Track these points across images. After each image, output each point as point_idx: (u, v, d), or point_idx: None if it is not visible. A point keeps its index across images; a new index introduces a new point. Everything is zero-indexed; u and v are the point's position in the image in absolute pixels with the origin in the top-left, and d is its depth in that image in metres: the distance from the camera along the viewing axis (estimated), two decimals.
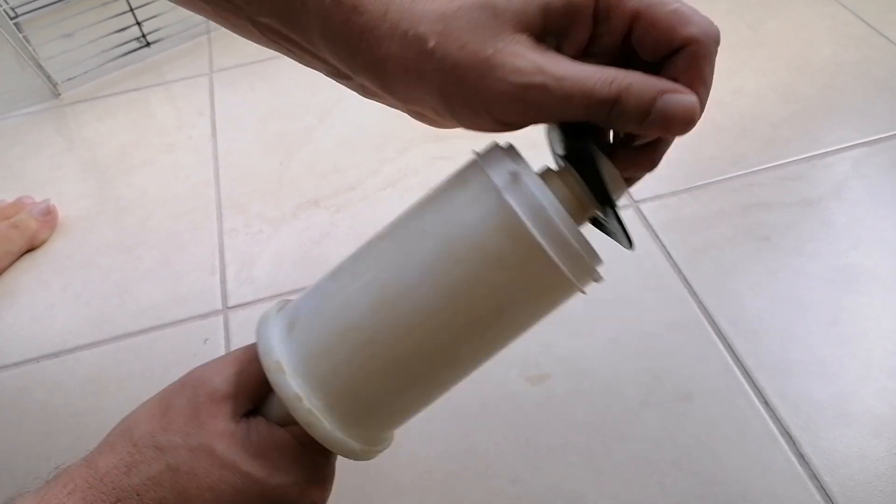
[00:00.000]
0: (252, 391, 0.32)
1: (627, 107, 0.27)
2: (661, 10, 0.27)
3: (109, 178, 0.86)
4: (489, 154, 0.30)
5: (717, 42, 0.28)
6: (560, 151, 0.32)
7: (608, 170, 0.30)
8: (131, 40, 1.03)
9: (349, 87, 0.33)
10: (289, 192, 0.81)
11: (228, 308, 0.70)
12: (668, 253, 0.69)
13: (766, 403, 0.58)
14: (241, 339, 0.67)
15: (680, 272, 0.67)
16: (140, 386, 0.64)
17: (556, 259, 0.28)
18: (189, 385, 0.32)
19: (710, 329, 0.63)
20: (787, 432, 0.56)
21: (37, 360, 0.67)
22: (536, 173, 0.30)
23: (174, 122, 0.93)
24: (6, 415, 0.63)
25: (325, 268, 0.72)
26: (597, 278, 0.30)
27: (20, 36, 0.92)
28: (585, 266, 0.29)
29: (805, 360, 0.61)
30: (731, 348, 0.62)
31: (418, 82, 0.29)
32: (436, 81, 0.28)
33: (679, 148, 0.82)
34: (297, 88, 0.95)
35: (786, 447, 0.56)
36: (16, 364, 0.67)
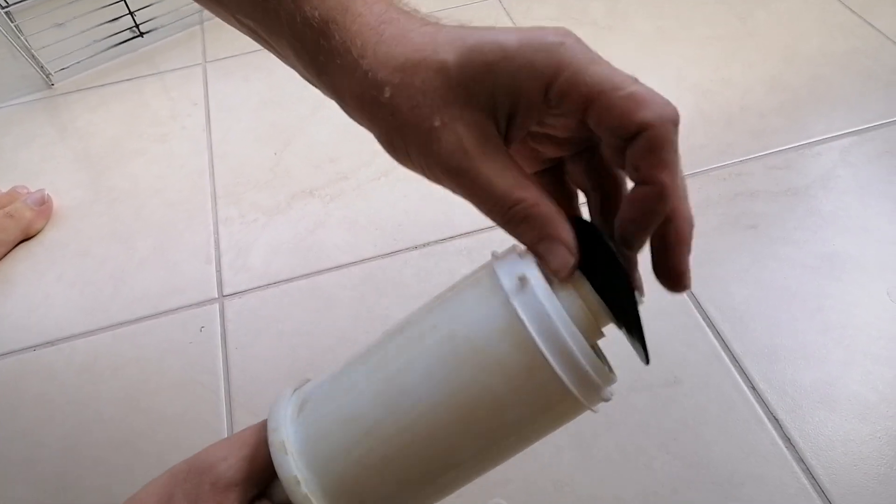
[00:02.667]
0: (259, 476, 0.31)
1: (518, 232, 0.29)
2: (613, 96, 0.27)
3: (103, 168, 0.86)
4: (504, 257, 0.30)
5: (675, 123, 0.27)
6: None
7: (625, 282, 0.29)
8: (124, 30, 1.03)
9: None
10: (283, 182, 0.82)
11: (224, 296, 0.70)
12: None
13: (752, 388, 0.59)
14: (237, 327, 0.67)
15: None
16: (136, 374, 0.65)
17: (559, 371, 0.27)
18: (195, 471, 0.31)
19: (697, 315, 0.64)
20: (774, 416, 0.58)
21: (33, 348, 0.68)
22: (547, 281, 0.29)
23: (168, 112, 0.93)
24: (2, 403, 0.64)
25: (319, 256, 0.73)
26: (606, 397, 0.29)
27: (12, 25, 0.92)
28: (591, 383, 0.28)
29: (791, 346, 0.62)
30: (719, 334, 0.63)
31: (370, 121, 0.30)
32: (384, 128, 0.29)
33: None
34: (292, 78, 0.94)
35: (772, 431, 0.57)
36: (12, 352, 0.67)
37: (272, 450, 0.30)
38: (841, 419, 0.57)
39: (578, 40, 0.28)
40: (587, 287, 0.29)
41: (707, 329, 0.63)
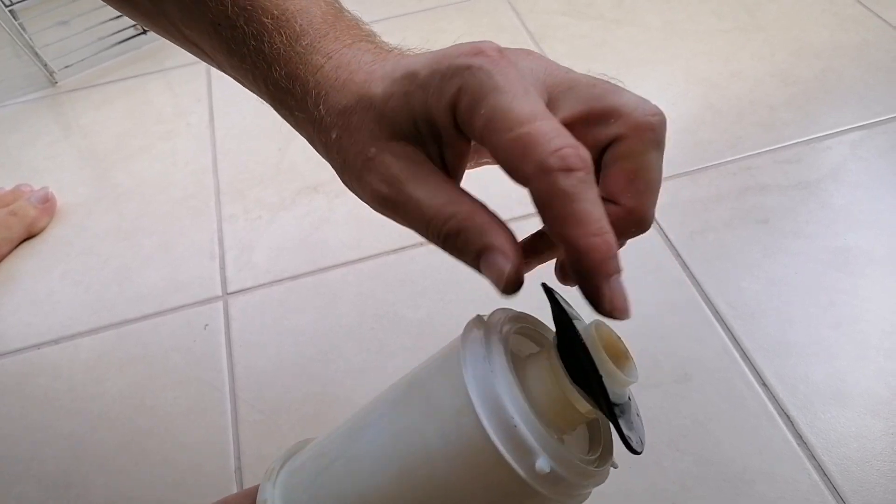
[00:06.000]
0: None
1: (457, 251, 0.26)
2: (501, 138, 0.24)
3: (107, 166, 0.86)
4: (477, 325, 0.28)
5: (564, 168, 0.23)
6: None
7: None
8: (128, 27, 1.02)
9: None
10: (287, 178, 0.81)
11: (228, 294, 0.70)
12: (666, 236, 0.69)
13: (763, 384, 0.59)
14: (241, 325, 0.67)
15: (678, 255, 0.68)
16: (140, 372, 0.65)
17: (509, 460, 0.25)
18: None
19: (707, 311, 0.64)
20: (785, 412, 0.57)
21: (37, 346, 0.67)
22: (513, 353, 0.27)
23: (172, 110, 0.93)
24: (8, 401, 0.63)
25: (323, 252, 0.72)
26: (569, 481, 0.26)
27: (16, 24, 0.92)
28: (528, 450, 0.25)
29: (802, 342, 0.61)
30: (729, 330, 0.62)
31: (329, 161, 0.31)
32: (336, 167, 0.30)
33: (677, 132, 0.82)
34: None
35: (783, 427, 0.56)
36: (17, 350, 0.67)
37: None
38: (853, 415, 0.56)
39: (493, 60, 0.25)
40: (555, 357, 0.27)
41: (717, 325, 0.63)
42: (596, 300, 0.24)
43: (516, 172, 0.24)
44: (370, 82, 0.29)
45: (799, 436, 0.55)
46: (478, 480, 0.26)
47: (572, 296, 0.27)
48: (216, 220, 0.78)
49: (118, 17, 1.01)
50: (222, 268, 0.72)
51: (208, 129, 0.89)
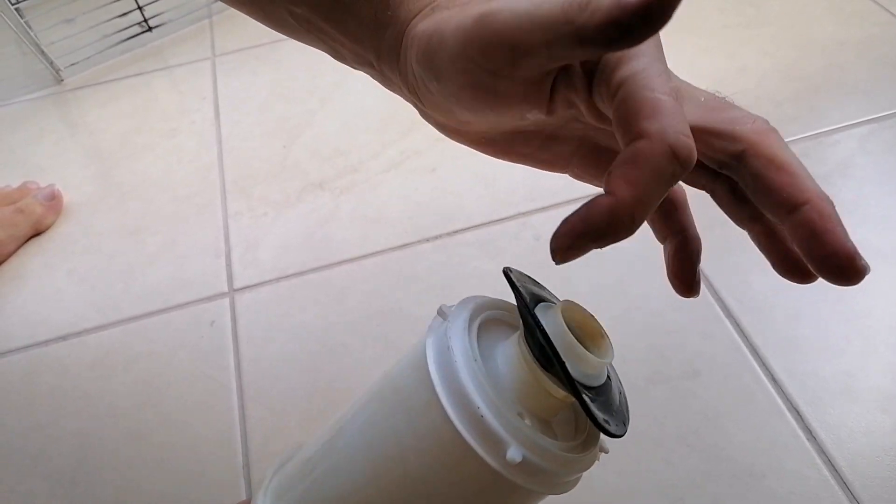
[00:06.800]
0: None
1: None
2: (636, 91, 0.23)
3: (113, 163, 0.86)
4: (442, 315, 0.28)
5: (673, 147, 0.22)
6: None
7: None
8: (133, 25, 1.02)
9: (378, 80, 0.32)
10: (292, 175, 0.81)
11: (234, 290, 0.70)
12: None
13: (773, 380, 0.58)
14: (248, 321, 0.67)
15: None
16: (147, 368, 0.64)
17: (463, 433, 0.24)
18: None
19: (716, 306, 0.63)
20: (795, 408, 0.56)
21: (45, 343, 0.67)
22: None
23: (177, 107, 0.93)
24: (16, 397, 0.64)
25: (329, 249, 0.72)
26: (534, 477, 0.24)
27: (22, 21, 0.92)
28: (495, 443, 0.23)
29: (812, 337, 0.61)
30: (738, 325, 0.62)
31: (432, 45, 0.26)
32: (460, 37, 0.25)
33: None
34: (300, 71, 0.95)
35: (793, 422, 0.56)
36: (24, 347, 0.67)
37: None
38: (863, 410, 0.56)
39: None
40: (525, 350, 0.26)
41: (726, 320, 0.62)
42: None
43: (630, 125, 0.22)
44: None
45: (808, 431, 0.55)
46: (453, 475, 0.25)
47: (546, 276, 0.27)
48: (221, 217, 0.78)
49: (123, 14, 1.01)
50: (228, 264, 0.72)
51: (213, 127, 0.89)
